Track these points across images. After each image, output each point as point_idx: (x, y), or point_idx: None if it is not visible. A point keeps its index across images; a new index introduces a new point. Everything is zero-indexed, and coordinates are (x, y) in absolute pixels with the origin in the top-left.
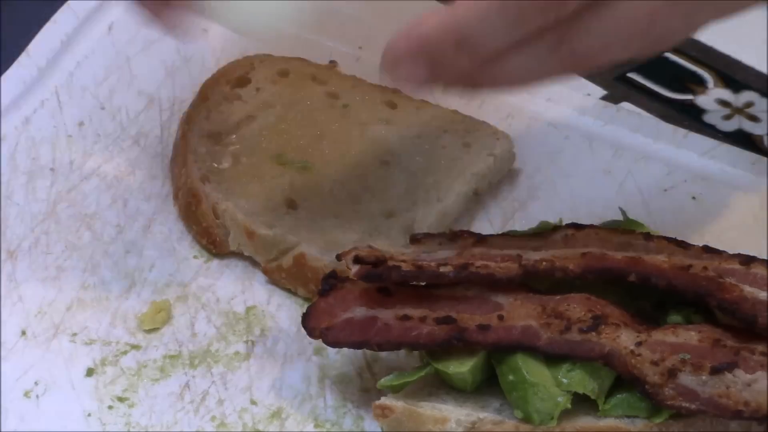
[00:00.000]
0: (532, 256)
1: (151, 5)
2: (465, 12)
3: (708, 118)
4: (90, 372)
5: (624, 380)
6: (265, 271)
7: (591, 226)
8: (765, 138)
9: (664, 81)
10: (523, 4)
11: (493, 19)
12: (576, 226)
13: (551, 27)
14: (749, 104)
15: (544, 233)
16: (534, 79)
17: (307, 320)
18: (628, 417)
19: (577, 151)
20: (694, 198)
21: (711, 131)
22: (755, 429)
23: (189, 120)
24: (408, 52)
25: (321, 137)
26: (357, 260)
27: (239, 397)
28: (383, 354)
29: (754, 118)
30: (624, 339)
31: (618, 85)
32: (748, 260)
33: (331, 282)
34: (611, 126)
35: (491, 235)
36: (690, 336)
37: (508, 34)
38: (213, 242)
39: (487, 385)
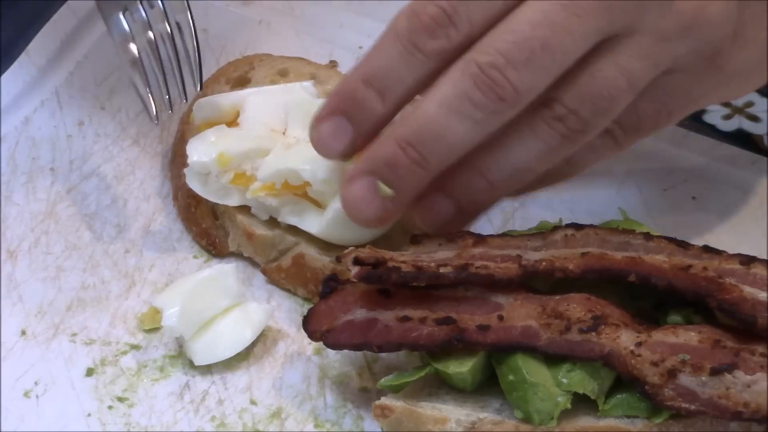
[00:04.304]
0: (532, 257)
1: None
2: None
3: (708, 118)
4: (90, 372)
5: (624, 380)
6: (265, 272)
7: (591, 226)
8: (765, 138)
9: None
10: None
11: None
12: (576, 226)
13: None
14: (749, 104)
15: (543, 233)
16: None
17: (307, 323)
18: (628, 417)
19: None
20: (694, 198)
21: (711, 131)
22: (755, 430)
23: (188, 120)
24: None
25: None
26: (357, 262)
27: (239, 397)
28: (383, 354)
29: (754, 118)
30: (624, 339)
31: None
32: (748, 260)
33: (332, 285)
34: None
35: (491, 236)
36: (690, 336)
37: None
38: (212, 244)
39: (487, 385)
